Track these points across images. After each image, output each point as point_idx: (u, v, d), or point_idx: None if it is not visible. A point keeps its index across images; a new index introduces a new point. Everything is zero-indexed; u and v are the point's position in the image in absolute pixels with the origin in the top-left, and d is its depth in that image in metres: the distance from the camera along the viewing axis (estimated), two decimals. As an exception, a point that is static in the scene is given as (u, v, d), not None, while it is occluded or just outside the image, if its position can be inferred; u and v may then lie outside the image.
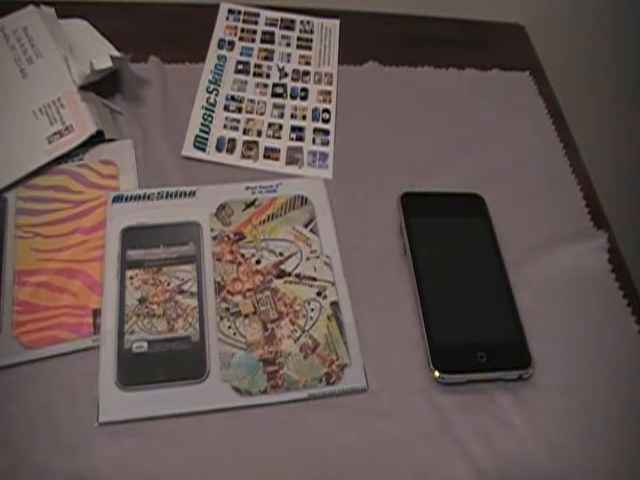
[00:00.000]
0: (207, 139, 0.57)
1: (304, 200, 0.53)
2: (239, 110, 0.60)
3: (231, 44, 0.65)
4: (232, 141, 0.57)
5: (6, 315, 0.45)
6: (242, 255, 0.49)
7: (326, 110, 0.61)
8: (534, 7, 0.72)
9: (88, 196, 0.52)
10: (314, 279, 0.49)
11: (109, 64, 0.54)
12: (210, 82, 0.61)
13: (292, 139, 0.58)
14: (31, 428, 0.41)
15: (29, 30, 0.58)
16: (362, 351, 0.46)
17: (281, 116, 0.60)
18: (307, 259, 0.50)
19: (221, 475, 0.41)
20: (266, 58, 0.64)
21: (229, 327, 0.46)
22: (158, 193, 0.52)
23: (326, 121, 0.60)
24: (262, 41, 0.66)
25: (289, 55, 0.65)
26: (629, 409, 0.45)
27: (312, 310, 0.47)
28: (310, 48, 0.66)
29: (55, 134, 0.53)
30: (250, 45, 0.65)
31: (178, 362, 0.44)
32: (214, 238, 0.50)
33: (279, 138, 0.58)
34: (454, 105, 0.62)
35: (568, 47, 0.76)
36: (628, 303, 0.51)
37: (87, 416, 0.42)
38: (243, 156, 0.57)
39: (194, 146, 0.56)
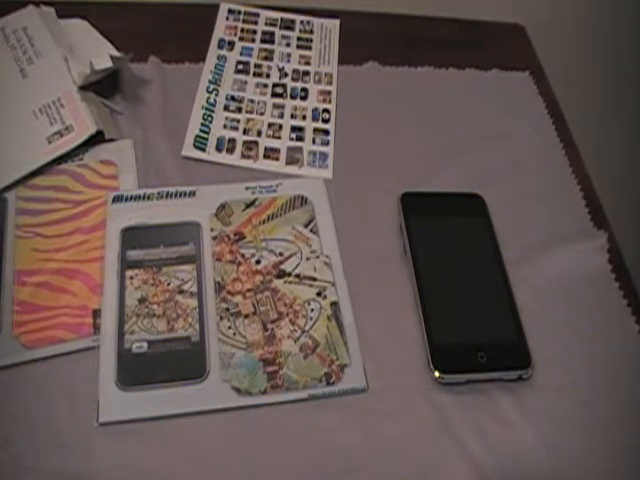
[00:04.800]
0: (207, 139, 0.57)
1: (304, 200, 0.53)
2: (239, 110, 0.60)
3: (231, 44, 0.65)
4: (232, 141, 0.57)
5: (6, 315, 0.45)
6: (242, 255, 0.49)
7: (326, 110, 0.61)
8: (534, 7, 0.72)
9: (88, 196, 0.52)
10: (314, 279, 0.49)
11: (109, 64, 0.54)
12: (210, 82, 0.61)
13: (292, 139, 0.58)
14: (31, 428, 0.41)
15: (29, 30, 0.58)
16: (362, 351, 0.46)
17: (281, 116, 0.60)
18: (307, 259, 0.50)
19: (221, 475, 0.41)
20: (266, 58, 0.64)
21: (229, 327, 0.46)
22: (158, 193, 0.52)
23: (326, 121, 0.60)
24: (262, 41, 0.66)
25: (289, 55, 0.65)
26: (629, 409, 0.45)
27: (312, 310, 0.47)
28: (310, 48, 0.66)
29: (55, 134, 0.53)
30: (250, 45, 0.65)
31: (178, 362, 0.44)
32: (214, 238, 0.50)
33: (279, 138, 0.58)
34: (454, 105, 0.62)
35: (568, 47, 0.76)
36: (628, 303, 0.51)
37: (87, 416, 0.42)
38: (243, 156, 0.57)
39: (194, 146, 0.56)
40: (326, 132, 0.59)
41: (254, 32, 0.66)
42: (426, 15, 0.71)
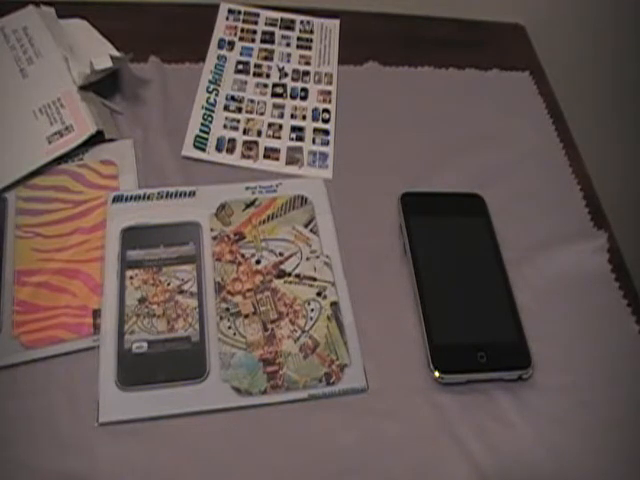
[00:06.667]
0: (207, 139, 0.57)
1: (304, 200, 0.53)
2: (239, 110, 0.60)
3: (231, 44, 0.65)
4: (232, 141, 0.57)
5: (6, 315, 0.45)
6: (242, 255, 0.49)
7: (326, 110, 0.61)
8: (534, 7, 0.72)
9: (88, 196, 0.52)
10: (314, 279, 0.49)
11: (109, 64, 0.54)
12: (210, 82, 0.61)
13: (292, 139, 0.58)
14: (31, 428, 0.41)
15: (29, 30, 0.58)
16: (362, 351, 0.46)
17: (281, 116, 0.60)
18: (307, 259, 0.50)
19: (221, 475, 0.41)
20: (266, 58, 0.64)
21: (229, 327, 0.46)
22: (158, 193, 0.52)
23: (326, 121, 0.60)
24: (262, 41, 0.66)
25: (289, 55, 0.65)
26: (629, 409, 0.45)
27: (312, 310, 0.47)
28: (310, 48, 0.66)
29: (55, 134, 0.53)
30: (250, 45, 0.65)
31: (178, 362, 0.44)
32: (214, 238, 0.50)
33: (279, 138, 0.58)
34: (454, 105, 0.62)
35: (568, 47, 0.76)
36: (628, 303, 0.51)
37: (87, 416, 0.42)
38: (243, 156, 0.57)
39: (194, 146, 0.56)
40: (326, 132, 0.59)
41: (254, 32, 0.66)
42: (426, 15, 0.71)
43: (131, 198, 0.51)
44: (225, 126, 0.58)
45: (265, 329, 0.46)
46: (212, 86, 0.61)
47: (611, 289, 0.51)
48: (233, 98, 0.61)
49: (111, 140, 0.55)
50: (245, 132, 0.58)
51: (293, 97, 0.62)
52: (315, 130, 0.59)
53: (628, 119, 0.85)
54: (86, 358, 0.44)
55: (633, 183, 0.90)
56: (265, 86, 0.62)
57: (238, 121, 0.59)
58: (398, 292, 0.49)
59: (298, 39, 0.66)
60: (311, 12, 0.69)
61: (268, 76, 0.63)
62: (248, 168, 0.56)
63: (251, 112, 0.60)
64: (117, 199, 0.51)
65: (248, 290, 0.48)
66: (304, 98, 0.62)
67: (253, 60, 0.64)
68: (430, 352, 0.45)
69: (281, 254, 0.50)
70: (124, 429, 0.41)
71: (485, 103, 0.63)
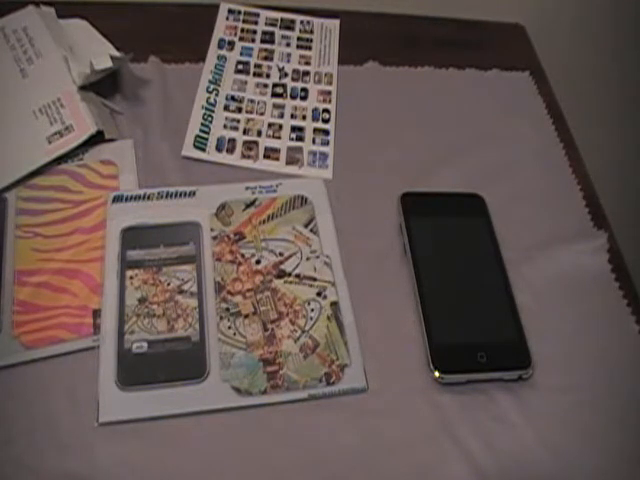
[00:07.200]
0: (207, 139, 0.57)
1: (304, 200, 0.53)
2: (239, 110, 0.60)
3: (231, 44, 0.65)
4: (232, 141, 0.57)
5: (6, 315, 0.45)
6: (242, 255, 0.49)
7: (326, 110, 0.61)
8: (534, 7, 0.72)
9: (88, 196, 0.52)
10: (314, 279, 0.49)
11: (109, 64, 0.54)
12: (210, 82, 0.61)
13: (292, 139, 0.58)
14: (31, 428, 0.41)
15: (29, 30, 0.58)
16: (362, 351, 0.46)
17: (281, 116, 0.60)
18: (307, 259, 0.50)
19: (221, 475, 0.41)
20: (266, 58, 0.64)
21: (229, 327, 0.46)
22: (158, 193, 0.52)
23: (326, 121, 0.60)
24: (262, 41, 0.66)
25: (289, 55, 0.65)
26: (629, 409, 0.45)
27: (312, 310, 0.47)
28: (310, 48, 0.66)
29: (55, 134, 0.53)
30: (250, 45, 0.65)
31: (178, 362, 0.44)
32: (214, 238, 0.50)
33: (279, 138, 0.58)
34: (454, 105, 0.62)
35: (568, 47, 0.76)
36: (628, 303, 0.51)
37: (87, 416, 0.42)
38: (243, 156, 0.57)
39: (194, 146, 0.56)
40: (326, 132, 0.59)
41: (254, 32, 0.66)
42: (426, 15, 0.71)
43: (131, 198, 0.51)
44: (225, 126, 0.58)
45: (265, 329, 0.46)
46: (212, 86, 0.61)
47: (611, 289, 0.51)
48: (233, 98, 0.61)
49: (111, 140, 0.55)
50: (245, 132, 0.58)
51: (293, 97, 0.62)
52: (315, 130, 0.59)
53: (628, 119, 0.85)
54: (86, 358, 0.44)
55: (633, 183, 0.90)
56: (265, 86, 0.62)
57: (238, 121, 0.59)
58: (398, 292, 0.49)
59: (298, 39, 0.66)
60: (311, 12, 0.69)
61: (268, 76, 0.63)
62: (248, 168, 0.56)
63: (251, 112, 0.60)
64: (117, 199, 0.51)
65: (248, 290, 0.48)
66: (304, 98, 0.62)
67: (253, 60, 0.64)
68: (430, 352, 0.45)
69: (281, 254, 0.50)
70: (124, 429, 0.41)
71: (485, 103, 0.63)
